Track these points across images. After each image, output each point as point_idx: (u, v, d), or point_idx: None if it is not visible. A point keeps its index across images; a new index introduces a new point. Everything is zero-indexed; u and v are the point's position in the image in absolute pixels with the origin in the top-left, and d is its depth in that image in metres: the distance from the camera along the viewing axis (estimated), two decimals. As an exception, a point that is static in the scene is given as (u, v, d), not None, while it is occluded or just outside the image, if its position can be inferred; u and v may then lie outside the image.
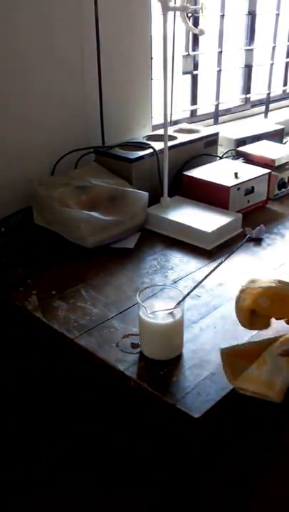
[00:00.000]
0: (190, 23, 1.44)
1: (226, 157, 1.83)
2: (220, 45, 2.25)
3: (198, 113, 2.33)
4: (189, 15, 1.73)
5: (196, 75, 2.24)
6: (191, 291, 0.96)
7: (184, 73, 2.15)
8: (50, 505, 1.22)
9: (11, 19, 1.38)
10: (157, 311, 0.92)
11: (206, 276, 0.96)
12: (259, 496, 1.03)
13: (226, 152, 1.85)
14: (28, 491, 1.30)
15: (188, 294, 0.95)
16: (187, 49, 2.11)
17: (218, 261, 1.27)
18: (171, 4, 1.33)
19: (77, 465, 1.22)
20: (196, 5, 2.02)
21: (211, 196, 1.53)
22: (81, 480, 1.19)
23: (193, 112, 2.30)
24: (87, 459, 1.18)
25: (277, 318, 0.89)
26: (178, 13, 1.40)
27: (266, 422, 0.99)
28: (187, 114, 2.28)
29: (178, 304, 0.92)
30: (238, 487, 1.02)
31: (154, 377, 0.91)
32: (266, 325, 0.88)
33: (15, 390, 1.33)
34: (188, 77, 2.23)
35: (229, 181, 1.52)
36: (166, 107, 1.44)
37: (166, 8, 1.29)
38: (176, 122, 2.15)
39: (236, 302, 0.88)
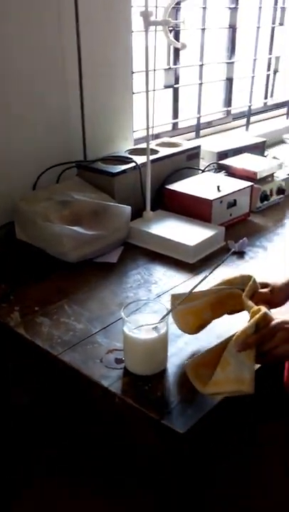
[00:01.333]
0: (171, 37, 1.48)
1: (208, 170, 1.86)
2: (201, 58, 2.30)
3: (180, 126, 2.37)
4: (170, 29, 1.77)
5: (178, 88, 2.28)
6: (175, 306, 0.98)
7: (166, 87, 2.18)
8: (50, 506, 1.21)
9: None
10: (141, 326, 0.93)
11: (190, 292, 0.98)
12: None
13: (208, 165, 1.89)
14: (28, 490, 1.28)
15: (172, 309, 0.96)
16: (168, 62, 2.15)
17: (201, 274, 1.30)
18: (153, 19, 1.36)
19: (76, 465, 1.21)
20: (177, 19, 2.07)
21: (194, 209, 1.56)
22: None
23: (175, 125, 2.33)
24: (83, 463, 1.18)
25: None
26: (159, 27, 1.44)
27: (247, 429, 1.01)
28: (169, 128, 2.31)
29: (162, 318, 0.93)
30: (227, 494, 1.04)
31: (138, 392, 0.92)
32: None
33: (14, 390, 1.32)
34: (170, 90, 2.27)
35: (211, 194, 1.55)
36: (148, 121, 1.47)
37: (147, 23, 1.32)
38: (158, 135, 2.18)
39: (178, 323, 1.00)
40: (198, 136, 2.39)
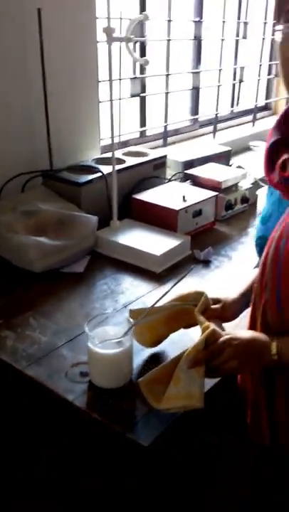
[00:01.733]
0: (134, 53, 1.48)
1: (174, 180, 1.87)
2: (167, 68, 2.32)
3: (148, 134, 2.38)
4: (136, 40, 1.78)
5: (144, 97, 2.29)
6: (140, 319, 0.97)
7: (132, 96, 2.19)
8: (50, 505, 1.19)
9: None
10: (105, 340, 0.93)
11: (154, 304, 0.98)
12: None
13: (174, 175, 1.90)
14: (28, 490, 1.25)
15: (136, 322, 0.96)
16: (134, 72, 2.16)
17: (168, 284, 1.31)
18: (116, 35, 1.36)
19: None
20: (143, 32, 2.08)
21: (160, 219, 1.57)
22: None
23: (142, 133, 2.34)
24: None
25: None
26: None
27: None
28: (137, 135, 2.32)
29: (125, 333, 0.93)
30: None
31: (103, 406, 0.91)
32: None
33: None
34: (138, 99, 2.28)
35: (177, 204, 1.56)
36: (112, 130, 1.47)
37: (110, 39, 1.32)
38: (125, 143, 2.18)
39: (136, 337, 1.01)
40: (165, 143, 2.40)
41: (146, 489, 0.93)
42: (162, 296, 0.97)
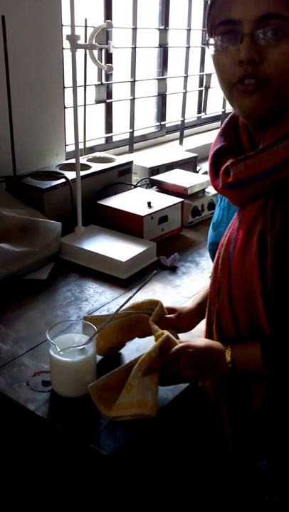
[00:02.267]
0: (98, 60, 1.47)
1: (140, 186, 1.87)
2: (132, 75, 2.32)
3: (114, 139, 2.37)
4: (102, 48, 1.77)
5: (111, 103, 2.28)
6: (103, 327, 0.95)
7: (97, 102, 2.18)
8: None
9: None
10: (68, 348, 0.91)
11: (117, 311, 0.96)
12: None
13: (140, 181, 1.89)
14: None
15: (99, 330, 0.94)
16: (100, 79, 2.16)
17: (133, 290, 1.29)
18: (80, 42, 1.35)
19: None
20: (108, 39, 2.08)
21: (126, 225, 1.56)
22: None
23: (108, 139, 2.33)
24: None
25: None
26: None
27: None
28: (102, 141, 2.31)
29: (89, 340, 0.92)
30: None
31: (66, 415, 0.89)
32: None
33: None
34: (104, 105, 2.27)
35: (142, 210, 1.56)
36: (77, 136, 1.46)
37: (74, 46, 1.31)
38: (91, 149, 2.17)
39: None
40: (131, 150, 2.40)
41: (109, 498, 0.91)
42: (126, 302, 0.96)
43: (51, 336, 0.92)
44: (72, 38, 1.31)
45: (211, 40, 0.76)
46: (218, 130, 0.91)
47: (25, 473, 1.04)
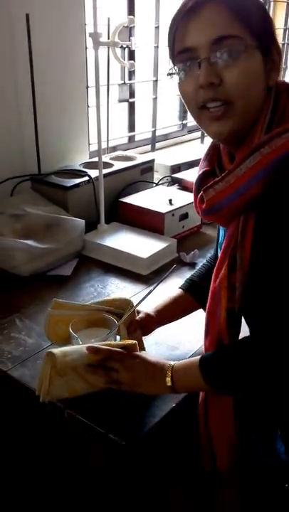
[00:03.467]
0: (120, 58, 1.48)
1: (161, 184, 1.87)
2: (155, 74, 2.33)
3: (137, 139, 2.38)
4: (124, 47, 1.78)
5: (133, 102, 2.29)
6: (124, 318, 0.97)
7: (120, 101, 2.19)
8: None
9: None
10: (90, 340, 0.92)
11: (138, 304, 0.98)
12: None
13: (161, 179, 1.90)
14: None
15: (120, 322, 0.96)
16: (123, 78, 2.17)
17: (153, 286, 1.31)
18: (102, 39, 1.36)
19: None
20: (130, 37, 2.08)
21: (147, 222, 1.57)
22: None
23: (131, 138, 2.34)
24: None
25: None
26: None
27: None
28: (125, 141, 2.32)
29: (110, 332, 0.93)
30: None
31: (86, 406, 0.91)
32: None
33: None
34: (126, 104, 2.28)
35: (164, 207, 1.57)
36: (99, 135, 1.47)
37: (97, 43, 1.32)
38: (114, 148, 2.19)
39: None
40: (153, 148, 2.41)
41: (124, 488, 0.93)
42: (147, 295, 0.97)
43: (74, 329, 0.93)
44: (95, 36, 1.32)
45: (173, 70, 0.78)
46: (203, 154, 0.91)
47: (47, 462, 1.06)
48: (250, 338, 0.83)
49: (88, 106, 1.88)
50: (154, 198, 1.66)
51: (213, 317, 0.84)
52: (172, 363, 0.87)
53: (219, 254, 0.82)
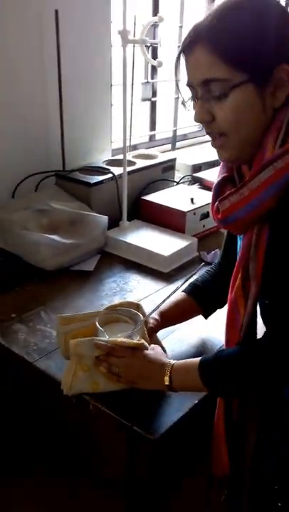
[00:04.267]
0: (148, 55, 1.49)
1: (183, 182, 1.88)
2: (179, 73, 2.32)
3: (157, 138, 2.39)
4: (148, 45, 1.79)
5: (155, 101, 2.30)
6: (149, 314, 0.98)
7: (143, 100, 2.20)
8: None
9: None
10: (118, 335, 0.93)
11: (163, 301, 0.99)
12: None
13: (183, 178, 1.90)
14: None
15: (146, 318, 0.97)
16: (146, 77, 2.17)
17: (175, 283, 1.31)
18: (131, 37, 1.37)
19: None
20: (155, 36, 2.09)
21: (168, 220, 1.57)
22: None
23: (152, 137, 2.35)
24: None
25: None
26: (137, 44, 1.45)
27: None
28: (146, 139, 2.33)
29: (135, 328, 0.94)
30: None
31: (111, 399, 0.92)
32: None
33: None
34: (148, 103, 2.29)
35: (185, 206, 1.57)
36: (125, 133, 1.48)
37: (125, 41, 1.33)
38: (135, 147, 2.19)
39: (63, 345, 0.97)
40: (174, 148, 2.41)
41: (151, 483, 0.94)
42: (172, 293, 0.98)
43: (101, 324, 0.94)
44: (124, 34, 1.32)
45: (188, 99, 0.80)
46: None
47: (69, 455, 1.07)
48: (261, 343, 0.83)
49: (111, 104, 1.88)
50: (175, 197, 1.66)
51: (233, 326, 0.85)
52: (172, 361, 0.88)
53: (235, 265, 0.84)
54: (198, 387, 0.83)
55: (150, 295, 1.29)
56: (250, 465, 0.93)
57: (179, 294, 1.08)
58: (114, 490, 1.03)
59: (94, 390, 0.91)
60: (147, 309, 1.01)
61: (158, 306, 0.99)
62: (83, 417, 0.96)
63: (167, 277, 1.38)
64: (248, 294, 0.81)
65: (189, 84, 0.76)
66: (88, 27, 1.68)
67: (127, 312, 0.99)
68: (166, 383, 0.86)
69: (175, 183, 1.85)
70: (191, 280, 1.05)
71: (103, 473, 1.05)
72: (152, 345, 0.93)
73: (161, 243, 1.47)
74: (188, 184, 1.88)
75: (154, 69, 2.23)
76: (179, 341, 1.09)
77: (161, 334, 1.05)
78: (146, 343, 0.91)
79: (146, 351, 0.90)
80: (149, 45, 1.75)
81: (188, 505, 1.07)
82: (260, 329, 0.86)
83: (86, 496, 1.09)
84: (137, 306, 1.01)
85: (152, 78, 2.21)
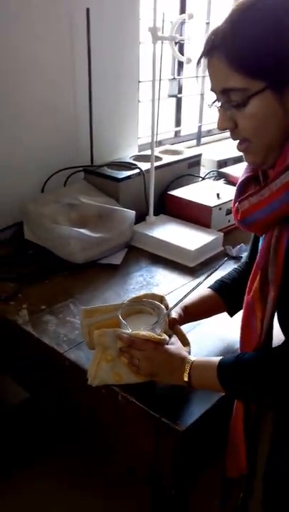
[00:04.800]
0: (177, 52, 1.48)
1: (208, 178, 1.86)
2: (204, 70, 2.30)
3: (182, 134, 2.37)
4: (175, 42, 1.77)
5: (180, 97, 2.28)
6: (172, 308, 0.96)
7: (170, 96, 2.19)
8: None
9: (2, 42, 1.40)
10: (142, 328, 0.91)
11: (187, 295, 0.96)
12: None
13: (208, 173, 1.89)
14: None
15: (169, 310, 0.95)
16: (173, 73, 2.16)
17: (200, 278, 1.31)
18: (160, 34, 1.36)
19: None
20: (181, 33, 2.07)
21: (194, 215, 1.57)
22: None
23: (177, 133, 2.34)
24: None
25: None
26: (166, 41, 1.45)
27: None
28: (171, 135, 2.32)
29: (158, 321, 0.92)
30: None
31: (140, 390, 0.92)
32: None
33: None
34: (173, 99, 2.28)
35: (211, 201, 1.56)
36: (153, 129, 1.48)
37: (156, 38, 1.32)
38: (160, 142, 2.19)
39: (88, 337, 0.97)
40: (199, 143, 2.40)
41: (179, 475, 0.94)
42: (195, 287, 0.95)
43: (123, 315, 0.93)
44: (154, 30, 1.32)
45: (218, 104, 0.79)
46: None
47: (96, 446, 1.08)
48: (281, 349, 0.82)
49: (139, 101, 1.88)
50: (201, 192, 1.65)
51: (249, 329, 0.84)
52: (193, 358, 0.87)
53: (253, 267, 0.82)
54: (215, 387, 0.82)
55: (176, 289, 1.29)
56: (264, 468, 0.92)
57: (205, 290, 1.06)
58: (136, 478, 1.04)
59: (116, 382, 0.91)
60: (173, 303, 1.00)
61: (181, 300, 0.97)
62: (111, 406, 0.97)
63: (193, 272, 1.38)
64: (267, 298, 0.79)
65: (212, 90, 0.76)
66: (118, 24, 1.68)
67: (151, 304, 0.98)
68: (185, 379, 0.85)
69: (201, 179, 1.84)
70: (215, 275, 1.04)
71: (127, 461, 1.05)
72: (173, 339, 0.92)
73: (187, 238, 1.47)
74: (214, 179, 1.87)
75: (180, 65, 2.22)
76: (203, 335, 1.09)
77: (187, 328, 1.04)
78: (167, 338, 0.90)
79: (167, 346, 0.90)
80: (177, 41, 1.74)
81: (203, 501, 1.08)
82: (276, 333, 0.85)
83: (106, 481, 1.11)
84: (161, 299, 0.99)
85: (178, 74, 2.20)
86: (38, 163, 1.57)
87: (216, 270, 1.00)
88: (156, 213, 1.58)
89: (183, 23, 2.07)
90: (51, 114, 1.58)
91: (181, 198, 1.62)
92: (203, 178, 1.85)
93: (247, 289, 0.83)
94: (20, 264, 1.36)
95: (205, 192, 1.65)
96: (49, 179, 1.57)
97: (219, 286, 1.06)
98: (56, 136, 1.61)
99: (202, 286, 0.97)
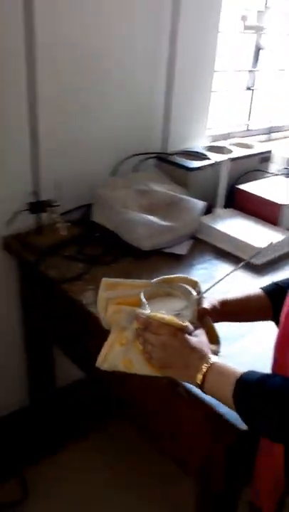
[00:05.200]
0: (261, 42, 1.43)
1: (279, 174, 1.80)
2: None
3: (252, 127, 2.30)
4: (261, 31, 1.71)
5: (254, 90, 2.21)
6: (203, 293, 0.86)
7: (248, 88, 2.12)
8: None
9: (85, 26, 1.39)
10: (162, 312, 0.80)
11: (221, 279, 0.84)
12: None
13: (281, 169, 1.83)
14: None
15: (199, 296, 0.85)
16: (254, 64, 2.09)
17: (266, 277, 1.27)
18: (248, 23, 1.31)
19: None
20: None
21: (263, 212, 1.52)
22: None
23: (247, 126, 2.27)
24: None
25: None
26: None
27: None
28: (242, 128, 2.25)
29: (185, 307, 0.82)
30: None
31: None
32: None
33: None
34: (246, 92, 2.21)
35: (282, 199, 1.51)
36: (228, 121, 1.43)
37: (245, 28, 1.28)
38: (229, 135, 2.13)
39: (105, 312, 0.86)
40: (269, 139, 2.32)
41: (234, 473, 0.92)
42: (224, 277, 0.84)
43: (147, 296, 0.83)
44: (244, 20, 1.27)
45: None
46: None
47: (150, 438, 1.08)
48: None
49: (211, 91, 1.83)
50: (271, 188, 1.60)
51: (285, 344, 0.74)
52: (214, 359, 0.74)
53: None
54: (226, 400, 0.72)
55: (238, 286, 1.25)
56: None
57: (255, 290, 0.93)
58: (185, 469, 1.02)
59: (126, 369, 0.80)
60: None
61: (215, 284, 0.83)
62: (167, 397, 0.95)
63: (257, 270, 1.33)
64: None
65: None
66: (200, 13, 1.63)
67: (181, 288, 0.85)
68: (198, 382, 0.74)
69: (271, 175, 1.78)
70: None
71: (177, 452, 1.04)
72: (198, 331, 0.79)
73: (255, 234, 1.42)
74: (285, 176, 1.80)
75: (256, 58, 2.14)
76: (247, 350, 0.99)
77: (228, 335, 0.91)
78: (191, 327, 0.78)
79: (189, 336, 0.77)
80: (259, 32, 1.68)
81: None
82: None
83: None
84: (195, 284, 0.86)
85: (253, 67, 2.13)
86: (112, 146, 1.55)
87: (237, 269, 0.86)
88: (224, 206, 1.54)
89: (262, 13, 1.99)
90: (127, 99, 1.55)
91: (250, 193, 1.57)
92: (275, 175, 1.79)
93: (286, 300, 0.72)
94: (88, 245, 1.36)
95: (275, 189, 1.59)
96: (122, 163, 1.56)
97: (272, 289, 0.93)
98: (129, 119, 1.59)
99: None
